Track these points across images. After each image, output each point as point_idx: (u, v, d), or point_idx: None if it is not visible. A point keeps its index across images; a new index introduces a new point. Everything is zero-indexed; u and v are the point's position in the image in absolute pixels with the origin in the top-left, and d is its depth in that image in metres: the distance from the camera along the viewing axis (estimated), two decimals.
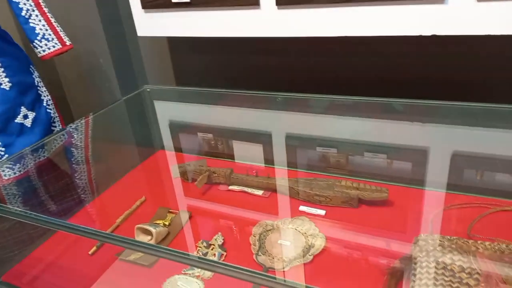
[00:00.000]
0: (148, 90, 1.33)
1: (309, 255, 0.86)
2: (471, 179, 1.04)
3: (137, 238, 0.94)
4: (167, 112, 1.41)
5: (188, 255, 0.70)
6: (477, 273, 0.68)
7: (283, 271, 0.83)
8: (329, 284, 0.79)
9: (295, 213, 0.99)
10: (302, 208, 1.00)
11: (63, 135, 1.32)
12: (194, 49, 1.43)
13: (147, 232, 0.94)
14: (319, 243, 0.88)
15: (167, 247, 0.87)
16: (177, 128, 1.39)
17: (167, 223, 0.99)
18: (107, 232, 0.93)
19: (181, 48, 1.47)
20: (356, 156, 1.17)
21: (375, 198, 0.96)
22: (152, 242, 0.92)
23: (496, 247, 0.74)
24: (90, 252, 0.95)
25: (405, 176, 1.09)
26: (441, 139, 1.08)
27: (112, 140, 1.35)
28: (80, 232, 0.80)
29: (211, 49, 1.38)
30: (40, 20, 1.30)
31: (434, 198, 0.99)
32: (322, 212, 0.98)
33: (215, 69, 1.43)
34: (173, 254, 0.73)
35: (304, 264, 0.84)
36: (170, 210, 1.04)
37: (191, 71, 1.48)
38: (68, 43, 1.35)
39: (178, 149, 1.35)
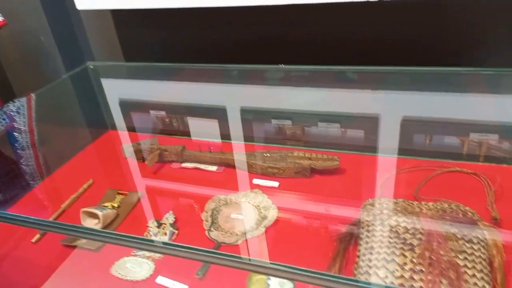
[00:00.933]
0: (91, 67, 1.25)
1: (262, 227, 0.85)
2: (420, 143, 1.06)
3: (83, 223, 0.90)
4: (115, 89, 1.34)
5: (133, 237, 0.67)
6: (420, 232, 0.70)
7: (235, 245, 0.82)
8: (280, 254, 0.79)
9: (249, 186, 0.98)
10: (255, 181, 0.99)
11: (3, 118, 1.22)
12: (140, 23, 1.35)
13: (94, 216, 0.90)
14: (272, 214, 0.87)
15: (111, 231, 0.84)
16: (127, 107, 1.32)
17: (115, 205, 0.95)
18: (48, 220, 0.88)
19: (126, 22, 1.38)
20: (309, 127, 1.16)
21: (327, 166, 0.96)
22: (100, 225, 0.88)
23: (439, 207, 0.76)
24: (33, 240, 0.90)
25: (357, 143, 1.09)
26: (390, 105, 1.08)
27: (56, 121, 1.27)
28: (19, 222, 0.75)
29: (158, 22, 1.31)
30: None
31: (384, 164, 1.01)
32: (275, 184, 0.97)
33: (165, 43, 1.36)
34: (118, 238, 0.70)
35: (257, 236, 0.83)
36: (119, 192, 1.00)
37: (139, 46, 1.40)
38: (0, 19, 1.24)
39: (129, 129, 1.29)
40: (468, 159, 0.99)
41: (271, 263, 0.62)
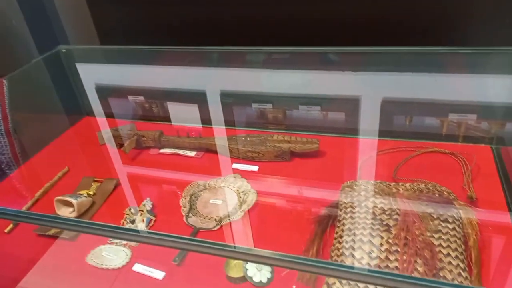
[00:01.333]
0: (63, 50, 1.21)
1: (240, 211, 0.84)
2: (400, 125, 1.06)
3: (58, 212, 0.87)
4: (91, 74, 1.29)
5: (107, 226, 0.65)
6: (397, 213, 0.70)
7: (214, 230, 0.81)
8: (259, 238, 0.79)
9: (228, 171, 0.97)
10: (235, 166, 0.98)
11: None
12: (116, 3, 1.29)
13: (69, 204, 0.87)
14: (251, 199, 0.86)
15: (85, 220, 0.82)
16: (103, 92, 1.28)
17: (91, 192, 0.93)
18: (20, 210, 0.85)
19: (100, 2, 1.33)
20: (290, 110, 1.15)
21: (306, 149, 0.95)
22: (74, 214, 0.86)
23: (416, 187, 0.76)
24: (6, 230, 0.87)
25: (337, 126, 1.08)
26: (371, 87, 1.07)
27: (30, 107, 1.22)
28: None
29: (134, 3, 1.26)
30: None
31: (364, 146, 1.00)
32: (255, 168, 0.96)
33: (141, 25, 1.31)
34: (92, 227, 0.68)
35: (236, 221, 0.82)
36: (95, 179, 0.97)
37: (115, 27, 1.35)
38: None
39: (106, 115, 1.26)
40: (447, 140, 0.99)
41: (247, 249, 0.61)
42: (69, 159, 1.07)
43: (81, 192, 0.93)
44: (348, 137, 1.05)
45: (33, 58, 1.50)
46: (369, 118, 1.05)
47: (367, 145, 1.01)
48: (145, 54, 1.25)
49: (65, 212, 0.87)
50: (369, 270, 0.59)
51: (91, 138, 1.14)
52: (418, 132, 1.05)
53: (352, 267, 0.61)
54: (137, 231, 0.73)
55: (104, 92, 1.30)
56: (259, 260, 0.63)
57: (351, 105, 1.09)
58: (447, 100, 1.02)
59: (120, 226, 0.81)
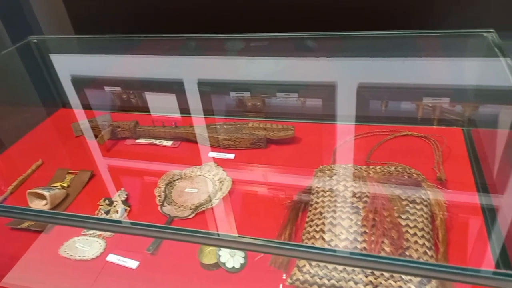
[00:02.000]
0: (34, 41, 1.18)
1: (215, 199, 0.84)
2: (375, 109, 1.06)
3: (31, 204, 0.86)
4: (65, 65, 1.27)
5: (79, 217, 0.64)
6: (366, 196, 0.71)
7: (188, 218, 0.81)
8: (233, 225, 0.79)
9: (205, 160, 0.96)
10: (211, 154, 0.98)
11: None
12: None
13: (42, 197, 0.86)
14: (226, 186, 0.86)
15: (55, 211, 0.82)
16: (79, 83, 1.26)
17: (65, 184, 0.92)
18: None
19: None
20: (269, 98, 1.14)
21: (282, 136, 0.96)
22: (48, 206, 0.85)
23: (386, 170, 0.77)
24: None
25: (314, 112, 1.09)
26: (346, 72, 1.07)
27: (3, 100, 1.20)
28: None
29: None
30: None
31: (340, 131, 1.01)
32: (231, 156, 0.96)
33: (116, 13, 1.29)
34: (64, 218, 0.67)
35: (211, 208, 0.83)
36: (69, 171, 0.96)
37: (88, 17, 1.32)
38: None
39: (82, 106, 1.24)
40: (422, 123, 1.00)
41: (219, 235, 0.61)
42: (44, 151, 1.06)
43: (55, 185, 0.92)
44: (325, 123, 1.05)
45: (6, 49, 1.46)
46: (345, 104, 1.05)
47: (343, 130, 1.01)
48: (121, 44, 1.23)
49: (38, 205, 0.86)
50: (337, 251, 0.60)
51: (66, 130, 1.12)
52: (394, 117, 1.06)
53: (321, 249, 0.61)
54: (109, 220, 0.72)
55: (80, 83, 1.28)
56: (231, 245, 0.63)
57: (327, 91, 1.09)
58: (421, 84, 1.03)
59: (94, 216, 0.80)
